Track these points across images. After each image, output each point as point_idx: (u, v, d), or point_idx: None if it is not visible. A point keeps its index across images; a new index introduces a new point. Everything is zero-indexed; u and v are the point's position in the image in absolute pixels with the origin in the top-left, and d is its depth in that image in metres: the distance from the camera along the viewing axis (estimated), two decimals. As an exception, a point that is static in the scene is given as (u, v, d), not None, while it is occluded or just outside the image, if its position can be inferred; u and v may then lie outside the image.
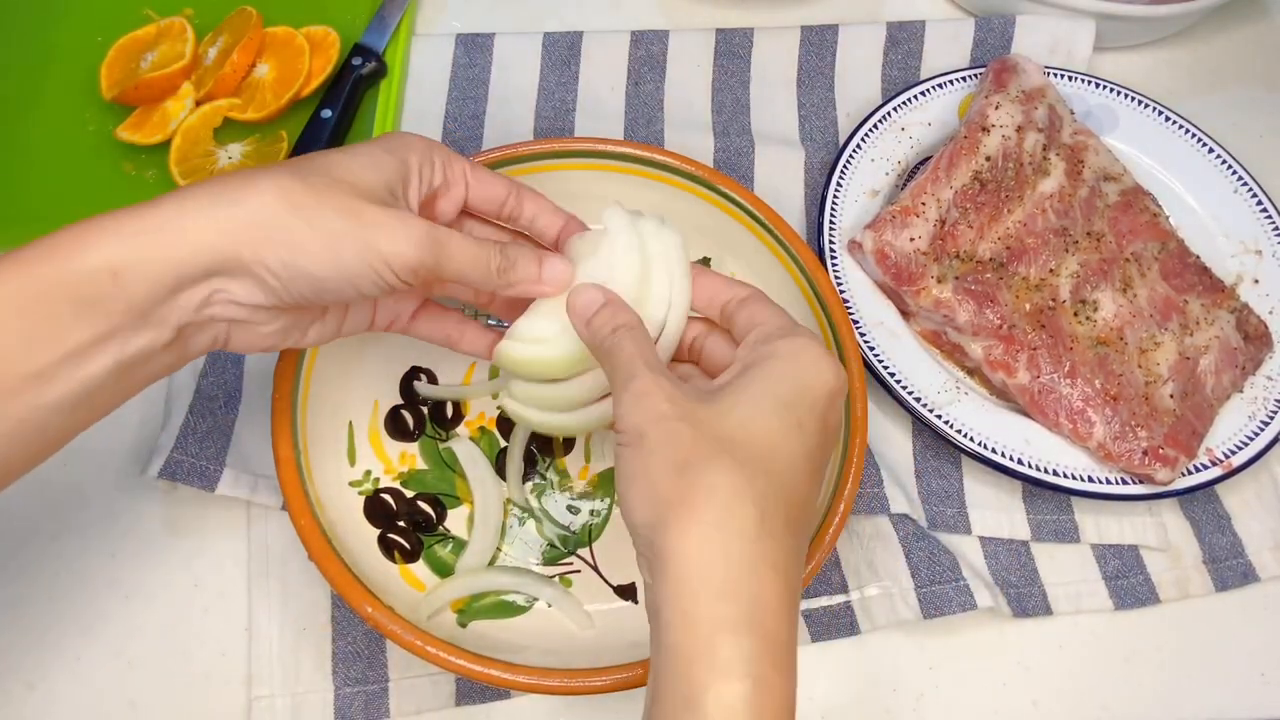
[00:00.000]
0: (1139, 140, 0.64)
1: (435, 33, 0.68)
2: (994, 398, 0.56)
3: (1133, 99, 0.65)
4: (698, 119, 0.66)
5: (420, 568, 0.49)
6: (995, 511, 0.54)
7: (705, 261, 0.57)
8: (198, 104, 0.61)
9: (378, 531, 0.50)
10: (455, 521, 0.51)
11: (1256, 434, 0.54)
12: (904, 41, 0.68)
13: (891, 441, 0.56)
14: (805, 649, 0.51)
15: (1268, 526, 0.55)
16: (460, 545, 0.50)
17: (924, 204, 0.57)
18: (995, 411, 0.54)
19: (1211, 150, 0.63)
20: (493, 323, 0.52)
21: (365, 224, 0.36)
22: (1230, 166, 0.62)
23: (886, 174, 0.61)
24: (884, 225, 0.57)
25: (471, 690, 0.49)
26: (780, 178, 0.63)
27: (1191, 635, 0.53)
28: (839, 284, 0.57)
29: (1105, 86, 0.65)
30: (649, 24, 0.69)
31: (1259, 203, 0.61)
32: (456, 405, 0.54)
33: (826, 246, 0.58)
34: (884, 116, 0.62)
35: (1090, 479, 0.52)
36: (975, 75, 0.64)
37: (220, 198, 0.35)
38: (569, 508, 0.52)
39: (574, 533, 0.51)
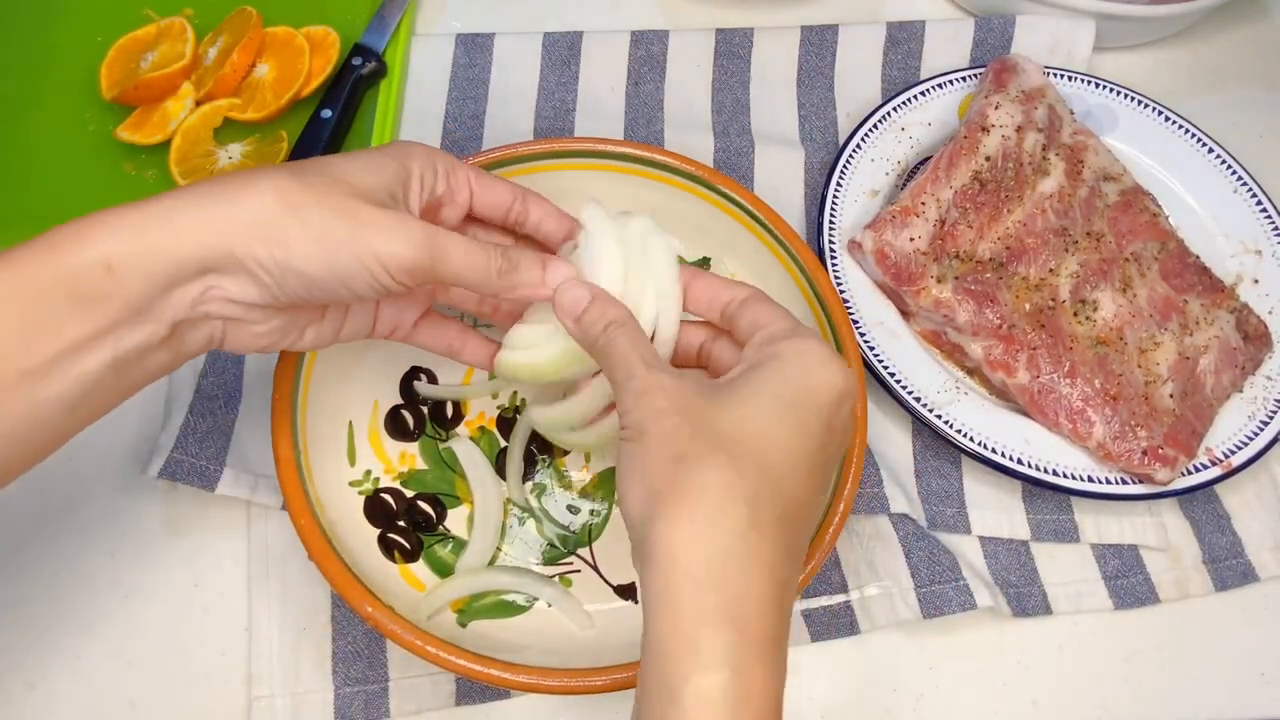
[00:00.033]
0: (1139, 140, 0.64)
1: (435, 33, 0.68)
2: (994, 398, 0.56)
3: (1133, 99, 0.65)
4: (698, 119, 0.66)
5: (420, 568, 0.49)
6: (995, 511, 0.54)
7: (705, 261, 0.57)
8: (198, 104, 0.61)
9: (378, 531, 0.50)
10: (455, 521, 0.51)
11: (1256, 434, 0.54)
12: (904, 41, 0.68)
13: (891, 441, 0.56)
14: (805, 649, 0.51)
15: (1267, 526, 0.55)
16: (460, 545, 0.50)
17: (924, 204, 0.57)
18: (995, 411, 0.54)
19: (1211, 150, 0.63)
20: (487, 327, 0.52)
21: (360, 224, 0.36)
22: (1230, 166, 0.62)
23: (886, 174, 0.61)
24: (884, 225, 0.57)
25: (471, 690, 0.49)
26: (780, 178, 0.63)
27: (1191, 635, 0.53)
28: (839, 284, 0.57)
29: (1105, 86, 0.65)
30: (649, 24, 0.69)
31: (1259, 203, 0.62)
32: (456, 405, 0.54)
33: (826, 246, 0.58)
34: (884, 116, 0.62)
35: (1090, 479, 0.52)
36: (975, 75, 0.64)
37: (216, 196, 0.35)
38: (569, 507, 0.52)
39: (574, 532, 0.51)
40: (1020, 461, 0.52)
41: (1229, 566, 0.54)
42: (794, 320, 0.39)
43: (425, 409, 0.53)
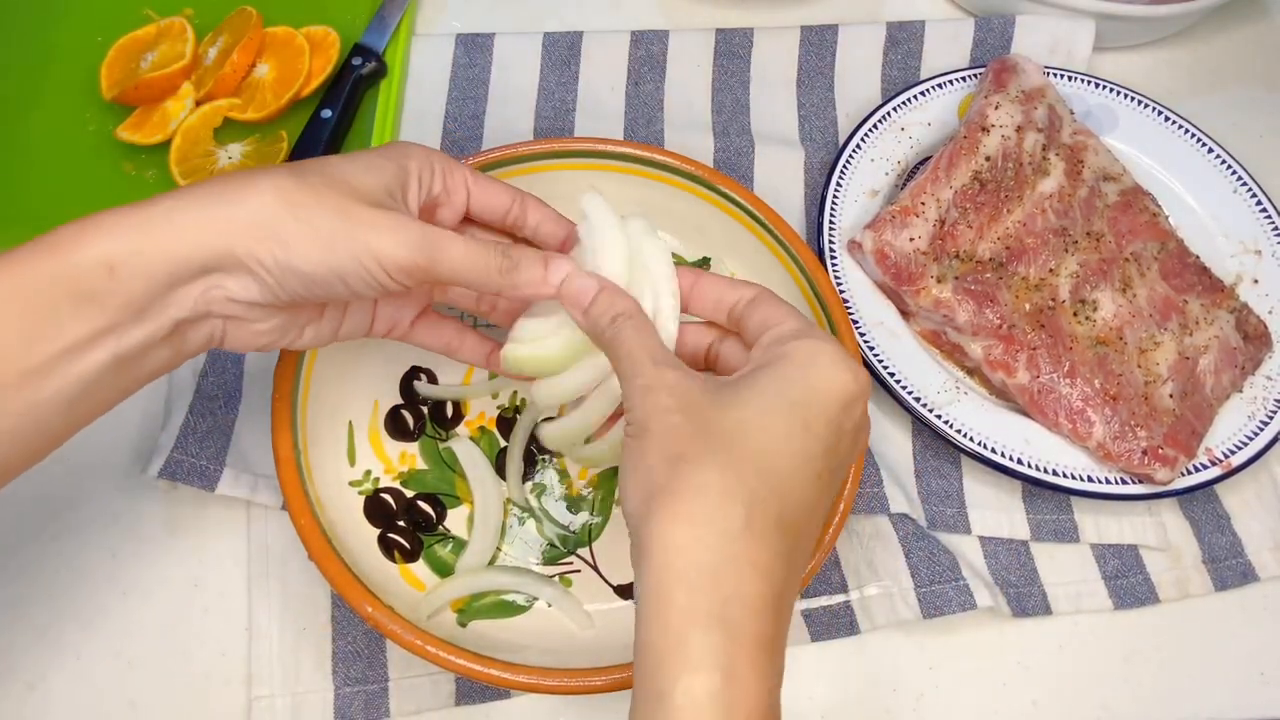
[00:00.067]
0: (1139, 140, 0.64)
1: (435, 33, 0.68)
2: (994, 398, 0.56)
3: (1133, 99, 0.65)
4: (698, 119, 0.66)
5: (420, 567, 0.49)
6: (995, 511, 0.54)
7: (705, 261, 0.57)
8: (198, 104, 0.61)
9: (378, 531, 0.50)
10: (455, 521, 0.51)
11: (1256, 434, 0.54)
12: (904, 41, 0.68)
13: (891, 441, 0.56)
14: (805, 649, 0.51)
15: (1267, 526, 0.55)
16: (460, 545, 0.50)
17: (924, 204, 0.57)
18: (995, 411, 0.54)
19: (1211, 150, 0.63)
20: (488, 326, 0.52)
21: (359, 223, 0.37)
22: (1230, 166, 0.62)
23: (886, 174, 0.61)
24: (884, 225, 0.57)
25: (471, 690, 0.49)
26: (780, 178, 0.63)
27: (1191, 635, 0.53)
28: (839, 284, 0.57)
29: (1105, 86, 0.65)
30: (649, 24, 0.69)
31: (1259, 203, 0.62)
32: (456, 405, 0.54)
33: (826, 246, 0.58)
34: (884, 116, 0.62)
35: (1090, 479, 0.52)
36: (975, 75, 0.64)
37: (217, 196, 0.36)
38: (569, 507, 0.52)
39: (574, 532, 0.51)
40: (1020, 461, 0.52)
41: (1229, 566, 0.54)
42: (804, 319, 0.38)
43: (425, 409, 0.53)
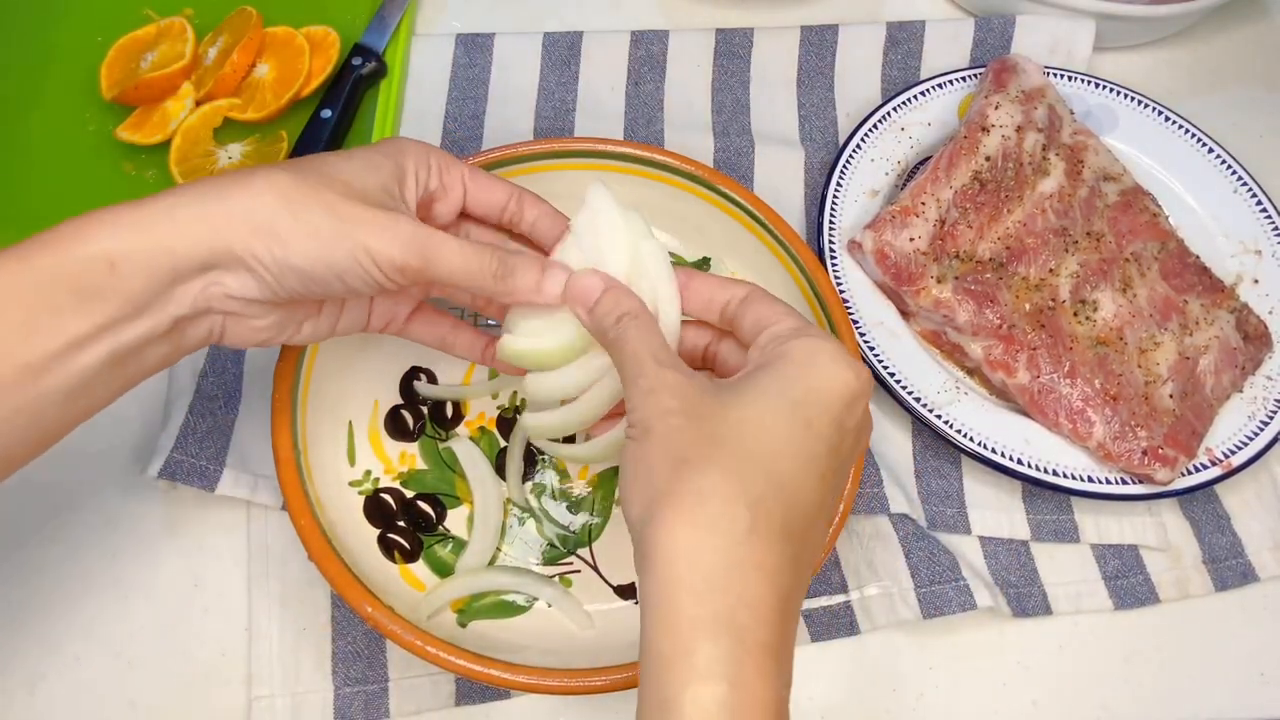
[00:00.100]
0: (1139, 140, 0.64)
1: (435, 33, 0.68)
2: (994, 398, 0.56)
3: (1133, 99, 0.65)
4: (698, 119, 0.66)
5: (420, 568, 0.49)
6: (995, 511, 0.54)
7: (705, 261, 0.57)
8: (198, 104, 0.61)
9: (378, 531, 0.50)
10: (455, 521, 0.51)
11: (1256, 434, 0.54)
12: (904, 41, 0.68)
13: (891, 441, 0.56)
14: (805, 649, 0.51)
15: (1267, 526, 0.55)
16: (460, 545, 0.50)
17: (924, 204, 0.57)
18: (995, 411, 0.54)
19: (1211, 150, 0.63)
20: (491, 323, 0.52)
21: (355, 222, 0.37)
22: (1230, 166, 0.62)
23: (886, 174, 0.61)
24: (884, 225, 0.57)
25: (471, 690, 0.49)
26: (780, 178, 0.63)
27: (1191, 635, 0.53)
28: (839, 284, 0.57)
29: (1105, 86, 0.65)
30: (649, 24, 0.69)
31: (1259, 203, 0.62)
32: (456, 405, 0.54)
33: (826, 246, 0.58)
34: (884, 116, 0.62)
35: (1090, 479, 0.52)
36: (975, 75, 0.64)
37: (216, 193, 0.36)
38: (569, 507, 0.52)
39: (574, 532, 0.51)
40: (1020, 461, 0.52)
41: (1229, 566, 0.54)
42: (799, 317, 0.38)
43: (425, 409, 0.53)
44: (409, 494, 0.51)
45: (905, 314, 0.57)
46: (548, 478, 0.52)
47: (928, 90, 0.64)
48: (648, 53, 0.67)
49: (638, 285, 0.41)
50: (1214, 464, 0.54)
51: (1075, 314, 0.56)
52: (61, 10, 0.65)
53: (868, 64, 0.68)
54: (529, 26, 0.68)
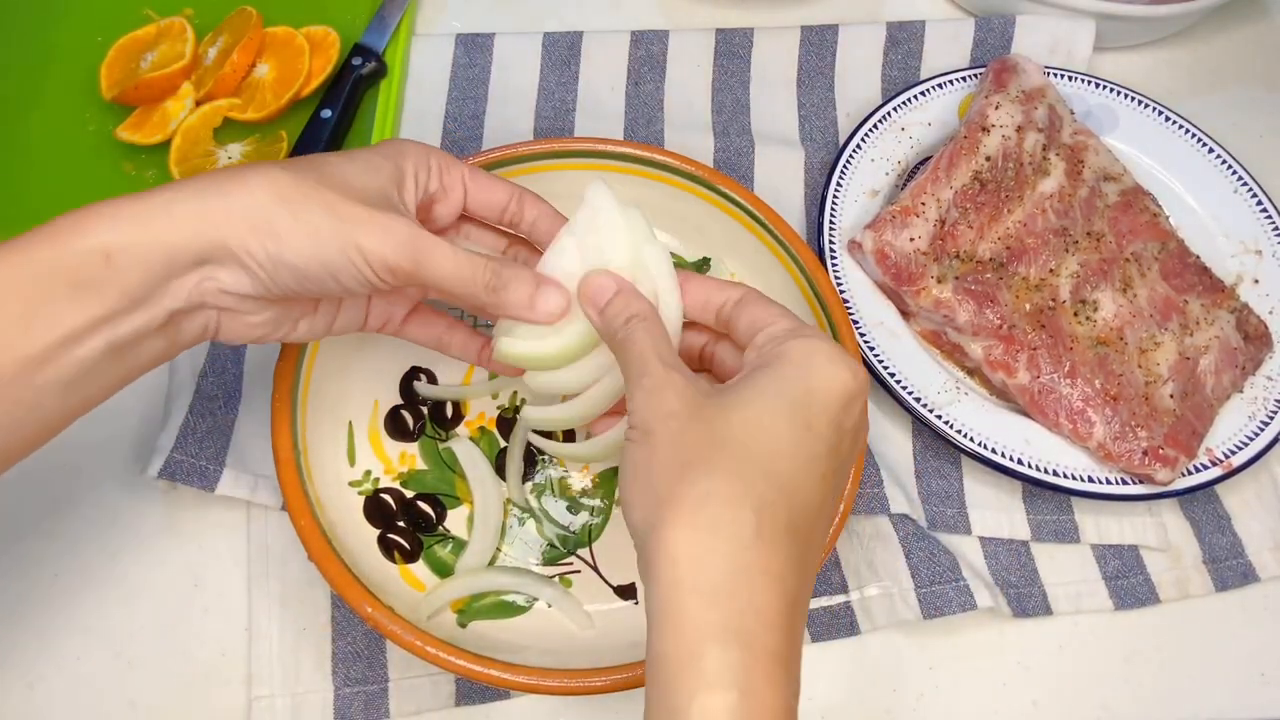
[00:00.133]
0: (1139, 140, 0.64)
1: (435, 33, 0.68)
2: (994, 398, 0.56)
3: (1133, 99, 0.65)
4: (698, 119, 0.66)
5: (420, 568, 0.49)
6: (995, 511, 0.54)
7: (705, 261, 0.57)
8: (198, 104, 0.61)
9: (377, 531, 0.50)
10: (455, 521, 0.51)
11: (1256, 434, 0.54)
12: (904, 41, 0.68)
13: (891, 441, 0.56)
14: (805, 649, 0.50)
15: (1268, 526, 0.55)
16: (460, 545, 0.50)
17: (924, 204, 0.57)
18: (995, 411, 0.54)
19: (1211, 150, 0.63)
20: (489, 325, 0.52)
21: (350, 221, 0.37)
22: (1230, 166, 0.62)
23: (886, 174, 0.61)
24: (884, 225, 0.57)
25: (471, 690, 0.49)
26: (780, 178, 0.63)
27: (1191, 635, 0.53)
28: (839, 284, 0.57)
29: (1105, 86, 0.65)
30: (649, 24, 0.69)
31: (1259, 203, 0.61)
32: (456, 405, 0.54)
33: (826, 246, 0.58)
34: (884, 116, 0.62)
35: (1090, 479, 0.52)
36: (975, 75, 0.64)
37: (213, 189, 0.36)
38: (569, 507, 0.52)
39: (574, 533, 0.51)
40: (1020, 462, 0.52)
41: (1229, 567, 0.54)
42: (795, 318, 0.38)
43: (425, 409, 0.53)
44: (409, 494, 0.51)
45: (905, 314, 0.57)
46: (547, 478, 0.52)
47: (928, 90, 0.64)
48: (648, 53, 0.67)
49: (639, 283, 0.41)
50: (1214, 464, 0.53)
51: (1075, 314, 0.56)
52: (61, 10, 0.65)
53: (868, 64, 0.68)
54: (529, 26, 0.68)
